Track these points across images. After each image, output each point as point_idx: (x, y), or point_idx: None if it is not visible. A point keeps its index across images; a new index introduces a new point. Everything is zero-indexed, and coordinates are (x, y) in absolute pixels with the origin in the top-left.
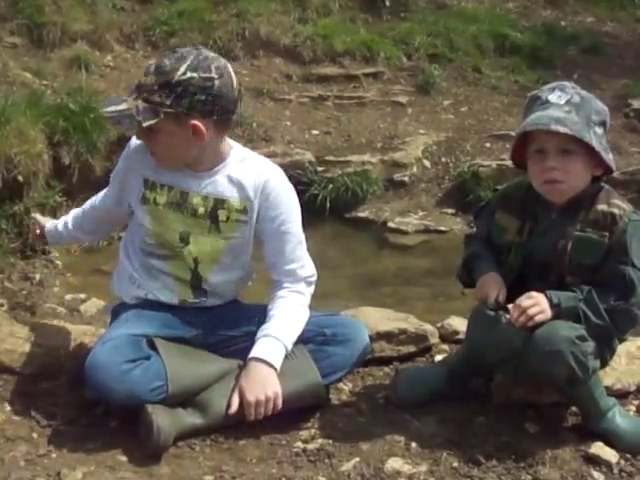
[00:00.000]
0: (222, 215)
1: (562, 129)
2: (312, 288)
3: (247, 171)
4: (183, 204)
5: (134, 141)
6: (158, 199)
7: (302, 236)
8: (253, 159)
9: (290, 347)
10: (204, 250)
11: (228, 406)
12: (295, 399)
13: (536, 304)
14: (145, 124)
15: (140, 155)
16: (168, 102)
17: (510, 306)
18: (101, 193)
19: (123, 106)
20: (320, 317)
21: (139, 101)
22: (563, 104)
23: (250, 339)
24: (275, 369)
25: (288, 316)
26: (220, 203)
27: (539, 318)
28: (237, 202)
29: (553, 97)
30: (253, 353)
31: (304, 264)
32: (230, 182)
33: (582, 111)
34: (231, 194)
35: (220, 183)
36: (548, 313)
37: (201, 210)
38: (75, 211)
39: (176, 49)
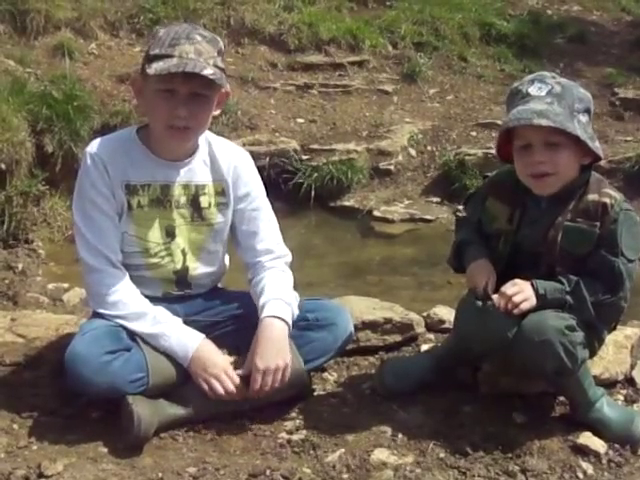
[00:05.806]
0: (204, 202)
1: (545, 122)
2: (289, 270)
3: (217, 153)
4: (165, 198)
5: (94, 149)
6: (142, 201)
7: (272, 214)
8: (217, 141)
9: (296, 311)
10: (190, 239)
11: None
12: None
13: (521, 291)
14: (225, 88)
15: (112, 160)
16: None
17: (495, 296)
18: (98, 226)
19: (212, 69)
20: (303, 301)
21: (213, 66)
22: (544, 95)
23: (233, 324)
24: (288, 325)
25: (282, 285)
26: (201, 189)
27: (524, 306)
28: (216, 185)
29: (533, 89)
30: (265, 313)
31: (279, 241)
32: (206, 166)
33: (564, 100)
34: (209, 178)
35: (197, 169)
36: (533, 301)
37: (183, 200)
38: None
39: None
